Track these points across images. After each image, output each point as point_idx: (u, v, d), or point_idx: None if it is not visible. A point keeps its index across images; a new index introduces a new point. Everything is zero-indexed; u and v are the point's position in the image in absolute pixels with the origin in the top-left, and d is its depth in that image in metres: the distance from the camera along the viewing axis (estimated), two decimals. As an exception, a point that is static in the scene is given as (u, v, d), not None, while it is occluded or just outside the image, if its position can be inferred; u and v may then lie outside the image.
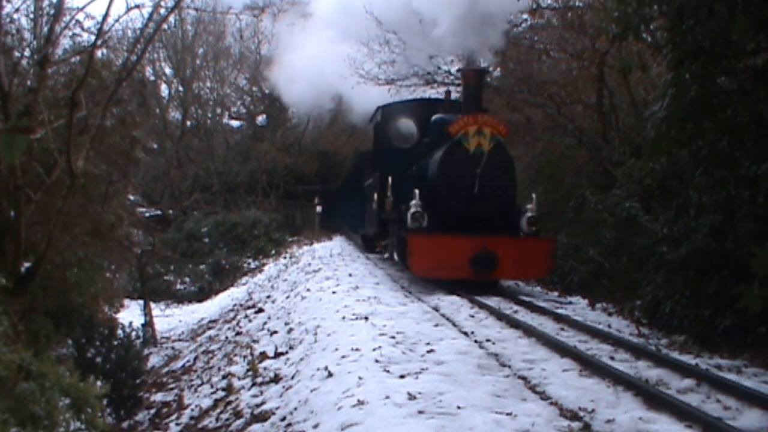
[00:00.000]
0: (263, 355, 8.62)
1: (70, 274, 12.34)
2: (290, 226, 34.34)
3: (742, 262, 6.82)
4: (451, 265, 10.95)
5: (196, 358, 12.37)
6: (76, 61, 12.29)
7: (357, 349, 6.65)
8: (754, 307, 6.22)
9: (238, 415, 6.89)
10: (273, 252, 27.36)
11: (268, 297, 15.00)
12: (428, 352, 6.54)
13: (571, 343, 7.13)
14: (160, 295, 23.07)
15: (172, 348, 15.27)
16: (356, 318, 8.41)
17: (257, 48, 39.61)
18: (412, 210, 11.52)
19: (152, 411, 10.19)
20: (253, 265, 26.43)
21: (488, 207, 11.42)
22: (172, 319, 20.03)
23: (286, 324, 10.07)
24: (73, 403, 7.01)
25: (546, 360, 6.47)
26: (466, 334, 7.70)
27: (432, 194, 11.87)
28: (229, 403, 7.55)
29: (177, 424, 8.32)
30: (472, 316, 8.80)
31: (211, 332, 14.67)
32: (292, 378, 6.94)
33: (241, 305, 16.34)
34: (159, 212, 33.88)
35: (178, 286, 26.17)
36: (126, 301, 17.26)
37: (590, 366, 6.13)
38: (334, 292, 10.99)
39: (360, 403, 5.04)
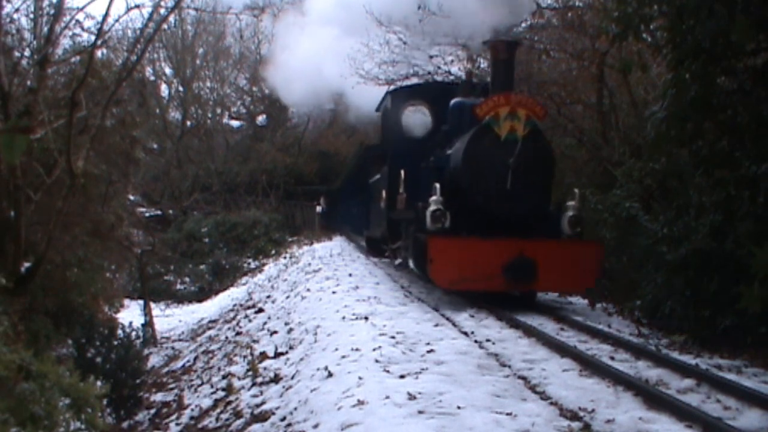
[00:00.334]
0: (263, 355, 8.62)
1: (70, 274, 12.34)
2: (290, 226, 34.37)
3: (742, 262, 6.82)
4: (481, 275, 9.24)
5: (196, 358, 12.38)
6: (76, 61, 12.29)
7: (357, 349, 6.65)
8: (754, 307, 6.22)
9: (238, 415, 6.89)
10: (273, 252, 27.38)
11: (268, 297, 15.00)
12: (428, 352, 6.55)
13: (571, 343, 7.13)
14: (160, 295, 23.09)
15: (172, 348, 15.27)
16: (356, 318, 8.41)
17: (257, 48, 39.68)
18: (432, 208, 9.69)
19: (152, 411, 10.20)
20: (253, 265, 26.44)
21: (523, 204, 9.75)
22: (172, 319, 20.03)
23: (286, 324, 10.07)
24: (73, 403, 7.02)
25: (546, 360, 6.47)
26: (466, 334, 7.70)
27: (454, 189, 10.10)
28: (229, 403, 7.55)
29: (177, 424, 8.32)
30: (472, 316, 8.80)
31: (211, 332, 14.67)
32: (292, 378, 6.94)
33: (241, 305, 16.34)
34: (159, 212, 33.88)
35: (178, 286, 26.18)
36: (126, 301, 17.27)
37: (590, 366, 6.13)
38: (334, 292, 11.00)
39: (360, 403, 5.04)
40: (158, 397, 10.81)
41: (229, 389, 8.00)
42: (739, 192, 7.62)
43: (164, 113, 36.70)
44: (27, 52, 12.77)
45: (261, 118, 43.33)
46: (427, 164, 11.79)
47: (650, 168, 11.42)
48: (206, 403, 8.32)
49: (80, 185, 10.57)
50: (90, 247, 13.10)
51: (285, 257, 23.39)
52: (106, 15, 10.36)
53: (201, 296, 24.39)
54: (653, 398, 5.18)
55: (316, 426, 5.07)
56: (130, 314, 15.92)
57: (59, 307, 12.07)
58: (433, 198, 9.82)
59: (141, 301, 17.74)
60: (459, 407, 4.83)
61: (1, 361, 6.55)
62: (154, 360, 14.15)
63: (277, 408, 6.26)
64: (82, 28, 12.12)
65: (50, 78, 11.96)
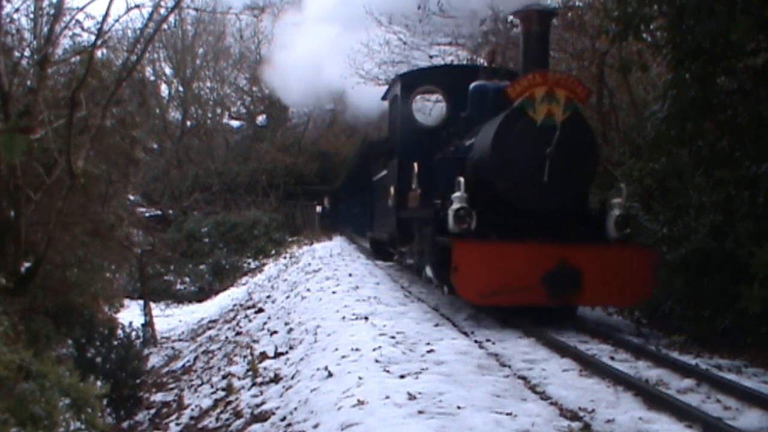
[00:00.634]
0: (263, 355, 8.62)
1: (70, 274, 12.35)
2: (290, 226, 34.38)
3: (742, 262, 6.82)
4: (517, 287, 7.88)
5: (196, 358, 12.38)
6: (76, 61, 12.30)
7: (357, 349, 6.65)
8: (754, 307, 6.23)
9: (238, 415, 6.90)
10: (273, 252, 27.38)
11: (268, 297, 15.00)
12: (428, 352, 6.55)
13: (571, 343, 7.13)
14: (160, 295, 23.09)
15: (172, 348, 15.27)
16: (356, 318, 8.41)
17: (257, 48, 39.69)
18: (456, 206, 8.30)
19: (152, 411, 10.20)
20: (253, 265, 26.44)
21: (562, 201, 8.38)
22: (172, 319, 20.04)
23: (286, 324, 10.07)
24: (73, 403, 7.03)
25: (546, 360, 6.47)
26: (465, 334, 7.70)
27: (478, 184, 8.71)
28: (229, 403, 7.55)
29: (177, 424, 8.33)
30: (472, 316, 8.79)
31: (211, 332, 14.67)
32: (292, 378, 6.94)
33: (241, 305, 16.33)
34: (159, 212, 33.89)
35: (178, 286, 26.19)
36: (126, 301, 17.28)
37: (590, 366, 6.13)
38: (334, 292, 10.99)
39: (360, 403, 5.04)
40: (158, 397, 10.81)
41: (229, 389, 8.00)
42: (739, 192, 7.62)
43: (164, 113, 36.73)
44: (27, 52, 12.80)
45: (261, 118, 43.38)
46: (447, 154, 10.46)
47: (650, 168, 11.42)
48: (206, 403, 8.32)
49: (80, 185, 10.59)
50: (90, 247, 13.11)
51: (285, 257, 23.40)
52: (106, 15, 10.39)
53: (201, 296, 24.39)
54: (653, 398, 5.17)
55: (316, 426, 5.07)
56: (130, 314, 15.93)
57: (59, 307, 12.08)
58: (457, 194, 8.42)
59: (141, 301, 17.74)
60: (459, 407, 4.83)
61: (1, 361, 6.56)
62: (154, 360, 14.15)
63: (277, 408, 6.26)
64: (82, 28, 12.15)
65: (50, 78, 11.97)
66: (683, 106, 7.71)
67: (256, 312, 13.46)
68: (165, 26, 26.20)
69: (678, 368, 6.09)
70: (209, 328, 15.63)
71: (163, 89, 38.72)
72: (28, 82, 11.53)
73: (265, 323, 11.47)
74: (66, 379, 7.23)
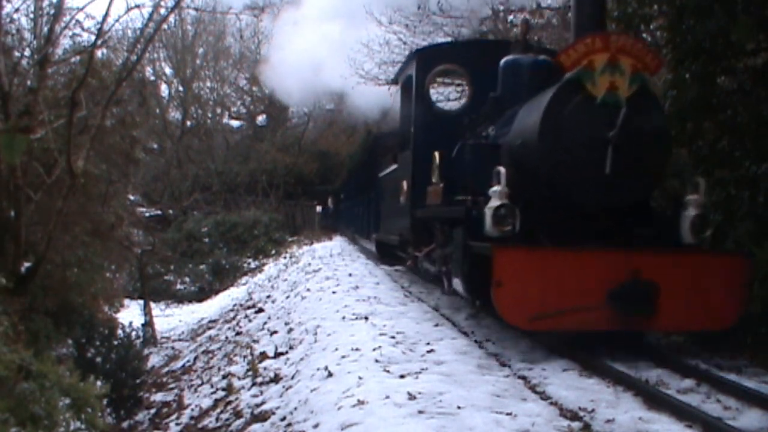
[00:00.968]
0: (263, 355, 8.62)
1: (70, 274, 12.33)
2: (290, 226, 34.40)
3: (742, 262, 6.81)
4: (577, 307, 6.23)
5: (196, 358, 12.38)
6: (76, 61, 12.29)
7: (357, 349, 6.65)
8: (753, 307, 6.24)
9: (238, 415, 6.90)
10: (273, 252, 27.38)
11: (268, 297, 15.00)
12: (428, 351, 6.55)
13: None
14: (160, 295, 23.08)
15: (172, 348, 15.27)
16: (356, 318, 8.41)
17: (257, 48, 39.71)
18: (496, 203, 6.62)
19: (152, 411, 10.20)
20: (253, 265, 26.43)
21: (627, 197, 6.76)
22: (172, 319, 20.03)
23: (286, 324, 10.07)
24: (73, 403, 7.02)
25: (546, 360, 6.47)
26: (465, 333, 7.70)
27: (520, 175, 7.05)
28: (229, 403, 7.55)
29: (177, 424, 8.33)
30: (473, 316, 8.79)
31: (211, 332, 14.67)
32: (292, 378, 6.94)
33: (241, 305, 16.33)
34: (159, 212, 33.88)
35: (178, 286, 26.17)
36: (126, 301, 17.24)
37: (590, 366, 6.13)
38: (334, 292, 10.99)
39: (360, 403, 5.04)
40: (158, 397, 10.81)
41: (229, 389, 8.00)
42: (739, 192, 7.62)
43: (164, 113, 36.70)
44: (27, 52, 12.78)
45: (261, 118, 43.41)
46: (480, 139, 8.73)
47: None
48: (206, 403, 8.32)
49: (80, 185, 10.58)
50: (90, 247, 13.09)
51: (285, 257, 23.39)
52: (106, 15, 10.36)
53: (201, 296, 24.38)
54: (653, 398, 5.17)
55: (316, 426, 5.07)
56: (130, 314, 15.91)
57: (59, 307, 12.06)
58: (496, 188, 6.75)
59: (141, 301, 17.73)
60: (459, 407, 4.83)
61: (1, 361, 6.56)
62: (154, 360, 14.15)
63: (277, 408, 6.26)
64: (82, 28, 12.11)
65: (50, 78, 11.96)
66: (683, 106, 7.72)
67: (256, 312, 13.45)
68: (165, 26, 26.23)
69: (678, 368, 6.08)
70: (209, 328, 15.63)
71: (163, 89, 38.72)
72: (28, 82, 11.51)
73: (265, 323, 11.47)
74: (66, 379, 7.23)
